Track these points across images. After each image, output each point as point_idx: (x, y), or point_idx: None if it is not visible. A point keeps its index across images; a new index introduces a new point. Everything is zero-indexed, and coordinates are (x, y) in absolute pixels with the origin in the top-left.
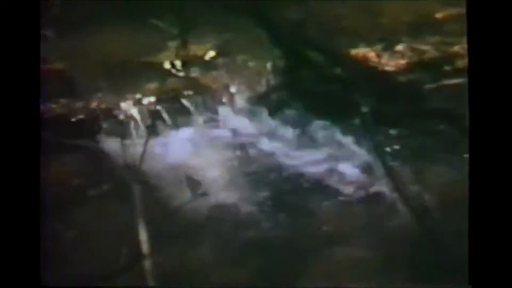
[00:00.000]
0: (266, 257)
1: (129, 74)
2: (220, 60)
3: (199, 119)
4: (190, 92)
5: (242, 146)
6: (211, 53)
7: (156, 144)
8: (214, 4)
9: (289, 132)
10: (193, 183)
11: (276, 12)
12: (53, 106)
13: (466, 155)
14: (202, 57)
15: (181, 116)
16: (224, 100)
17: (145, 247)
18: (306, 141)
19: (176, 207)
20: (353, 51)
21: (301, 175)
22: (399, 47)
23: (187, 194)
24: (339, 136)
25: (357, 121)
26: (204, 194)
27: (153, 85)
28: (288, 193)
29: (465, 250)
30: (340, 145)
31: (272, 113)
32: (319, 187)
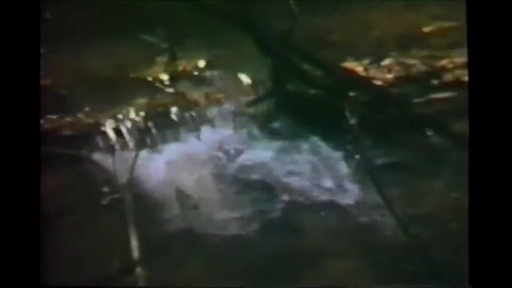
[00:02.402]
0: (255, 270)
1: (118, 89)
2: (210, 74)
3: (188, 134)
4: (179, 107)
5: (231, 159)
6: (201, 67)
7: (145, 159)
8: (204, 19)
9: (277, 145)
10: (183, 197)
11: (265, 26)
12: (41, 121)
13: (455, 167)
14: (191, 71)
15: (170, 131)
16: (213, 114)
17: (136, 258)
18: (295, 153)
19: (166, 221)
20: (341, 65)
21: (289, 188)
22: (387, 62)
23: (176, 208)
24: (326, 148)
25: (345, 133)
26: (194, 207)
27: (142, 100)
28: (276, 207)
29: (452, 260)
30: (327, 157)
31: (261, 126)
32: (306, 200)
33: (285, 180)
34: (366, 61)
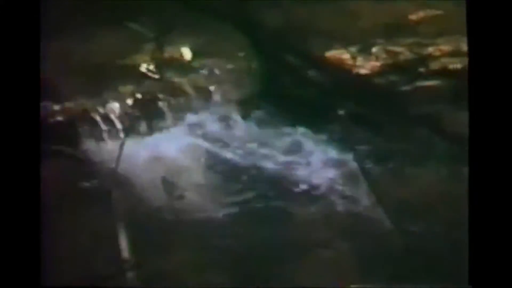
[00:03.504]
0: (245, 261)
1: (105, 76)
2: (197, 63)
3: (175, 122)
4: (166, 95)
5: (218, 149)
6: (188, 56)
7: (132, 147)
8: (192, 7)
9: (265, 136)
10: (169, 186)
11: (253, 14)
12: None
13: (443, 158)
14: (178, 59)
15: (157, 119)
16: (200, 103)
17: (125, 250)
18: (283, 144)
19: (153, 210)
20: (328, 54)
21: (277, 178)
22: (374, 49)
23: (163, 197)
24: (316, 139)
25: (334, 124)
26: (181, 196)
27: (129, 88)
28: (264, 196)
29: (443, 251)
30: (316, 149)
31: (247, 117)
32: (295, 191)
33: (274, 170)
34: (353, 49)
